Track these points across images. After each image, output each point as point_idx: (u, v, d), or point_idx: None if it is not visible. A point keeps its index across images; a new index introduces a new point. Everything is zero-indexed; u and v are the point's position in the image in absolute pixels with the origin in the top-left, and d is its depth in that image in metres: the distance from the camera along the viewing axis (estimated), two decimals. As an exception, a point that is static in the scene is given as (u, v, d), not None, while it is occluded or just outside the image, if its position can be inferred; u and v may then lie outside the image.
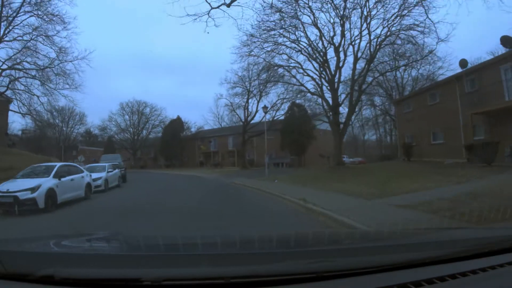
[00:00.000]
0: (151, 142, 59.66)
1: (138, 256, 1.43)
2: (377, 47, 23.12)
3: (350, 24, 23.20)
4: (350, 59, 25.05)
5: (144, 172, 40.77)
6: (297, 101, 36.15)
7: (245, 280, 1.11)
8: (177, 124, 54.53)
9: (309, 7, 22.45)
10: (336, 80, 24.50)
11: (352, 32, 23.47)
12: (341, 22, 22.89)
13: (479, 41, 59.07)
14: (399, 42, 22.53)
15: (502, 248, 1.44)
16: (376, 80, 31.55)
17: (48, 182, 9.93)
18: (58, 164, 12.15)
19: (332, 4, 22.21)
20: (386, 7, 21.21)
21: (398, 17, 21.18)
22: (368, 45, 23.40)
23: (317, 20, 23.20)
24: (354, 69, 24.48)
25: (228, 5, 12.83)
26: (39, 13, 21.37)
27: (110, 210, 9.79)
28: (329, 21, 23.52)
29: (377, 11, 21.77)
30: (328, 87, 25.08)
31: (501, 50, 21.56)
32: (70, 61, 23.38)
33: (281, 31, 23.77)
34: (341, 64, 24.04)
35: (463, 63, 21.39)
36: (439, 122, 21.94)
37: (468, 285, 1.18)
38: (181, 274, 1.15)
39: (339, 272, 1.18)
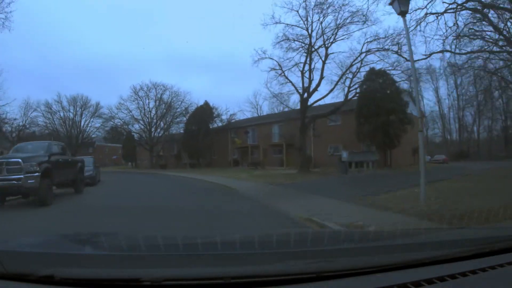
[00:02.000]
0: (172, 136, 47.94)
1: (138, 256, 1.43)
2: None
3: None
4: None
5: (155, 175, 30.29)
6: (377, 66, 23.18)
7: (245, 280, 1.11)
8: (204, 112, 42.01)
9: None
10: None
11: None
12: None
13: None
14: None
15: (502, 248, 1.44)
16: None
17: None
18: None
19: None
20: None
21: None
22: None
23: None
24: None
25: None
26: None
27: None
28: None
29: None
30: None
31: None
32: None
33: None
34: None
35: None
36: None
37: (468, 285, 1.19)
38: (181, 274, 1.15)
39: (339, 272, 1.18)
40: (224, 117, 44.66)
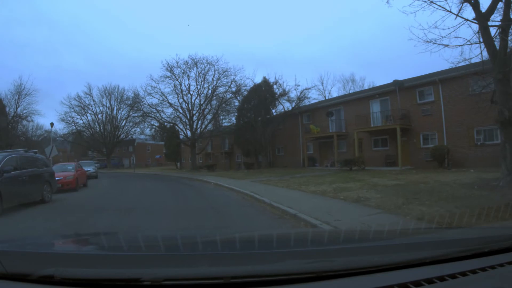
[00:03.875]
0: (222, 128, 36.84)
1: (138, 256, 1.43)
2: None
3: None
4: None
5: (184, 184, 18.76)
6: None
7: (245, 280, 1.11)
8: (262, 92, 29.78)
9: None
10: None
11: None
12: None
13: None
14: None
15: (502, 247, 1.44)
16: None
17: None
18: None
19: None
20: None
21: None
22: None
23: None
24: None
25: None
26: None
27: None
28: None
29: None
30: None
31: None
32: None
33: None
34: None
35: None
36: None
37: (468, 284, 1.19)
38: (181, 274, 1.15)
39: (339, 272, 1.18)
40: (292, 94, 31.01)
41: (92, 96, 50.99)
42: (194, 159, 36.56)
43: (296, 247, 1.74)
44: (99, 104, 52.59)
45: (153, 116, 36.21)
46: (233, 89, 33.18)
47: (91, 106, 51.70)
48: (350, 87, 51.79)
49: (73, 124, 50.51)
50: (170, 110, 36.40)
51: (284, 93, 30.15)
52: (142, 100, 35.44)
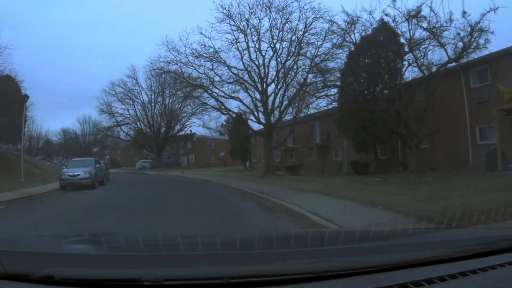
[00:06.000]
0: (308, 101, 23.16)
1: (138, 256, 1.43)
2: None
3: None
4: None
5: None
6: None
7: (245, 280, 1.11)
8: (380, 43, 16.84)
9: None
10: None
11: None
12: None
13: None
14: None
15: (502, 248, 1.44)
16: None
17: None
18: None
19: None
20: None
21: None
22: None
23: None
24: None
25: None
26: None
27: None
28: None
29: None
30: None
31: None
32: None
33: None
34: None
35: None
36: None
37: (468, 284, 1.19)
38: (181, 274, 1.15)
39: (339, 272, 1.18)
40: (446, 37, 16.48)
41: (137, 80, 41.00)
42: (270, 157, 23.84)
43: (296, 247, 1.74)
44: (147, 90, 41.89)
45: (203, 85, 23.64)
46: (333, 38, 19.91)
47: (137, 92, 41.77)
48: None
49: (115, 115, 41.48)
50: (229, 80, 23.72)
51: (436, 30, 15.34)
52: (177, 59, 22.58)
